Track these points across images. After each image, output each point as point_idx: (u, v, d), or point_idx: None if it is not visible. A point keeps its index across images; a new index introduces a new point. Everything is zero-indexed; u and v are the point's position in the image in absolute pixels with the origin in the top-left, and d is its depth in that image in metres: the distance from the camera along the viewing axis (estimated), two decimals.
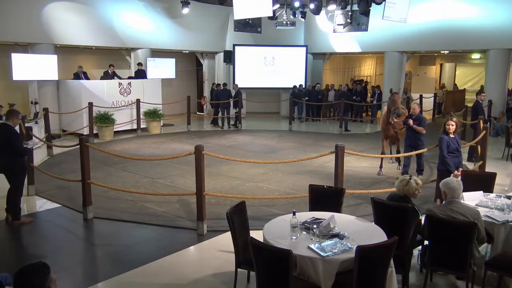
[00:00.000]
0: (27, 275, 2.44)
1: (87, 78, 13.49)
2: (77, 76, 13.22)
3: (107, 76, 13.86)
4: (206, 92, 18.35)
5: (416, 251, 4.53)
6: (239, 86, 16.13)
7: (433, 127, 15.79)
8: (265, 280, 3.43)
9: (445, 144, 5.95)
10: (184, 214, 6.40)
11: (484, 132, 7.93)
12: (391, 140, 8.83)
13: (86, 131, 12.22)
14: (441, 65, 24.07)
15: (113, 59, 15.42)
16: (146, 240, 5.68)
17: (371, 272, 3.33)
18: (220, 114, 15.65)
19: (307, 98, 16.55)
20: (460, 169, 5.93)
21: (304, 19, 15.06)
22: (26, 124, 8.26)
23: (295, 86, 16.98)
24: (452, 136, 6.05)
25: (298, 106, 16.85)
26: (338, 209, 4.60)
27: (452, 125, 6.02)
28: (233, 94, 15.46)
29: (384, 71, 16.85)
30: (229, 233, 4.16)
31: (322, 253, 3.36)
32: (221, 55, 17.90)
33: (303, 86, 17.40)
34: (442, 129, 6.12)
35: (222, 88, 15.63)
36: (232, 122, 15.49)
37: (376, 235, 3.73)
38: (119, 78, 13.93)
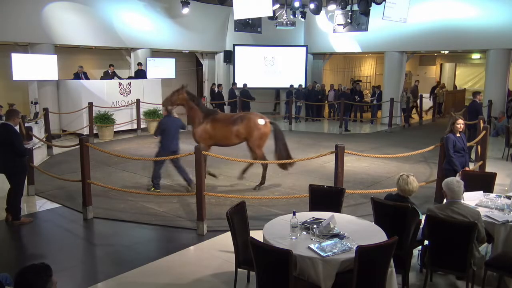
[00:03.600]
0: (29, 276, 2.43)
1: (87, 78, 13.49)
2: (77, 76, 13.22)
3: (107, 76, 13.86)
4: (206, 92, 18.35)
5: (416, 251, 4.53)
6: (238, 85, 16.20)
7: (432, 127, 15.85)
8: (265, 280, 3.43)
9: (451, 143, 5.95)
10: (184, 214, 6.40)
11: (484, 132, 7.94)
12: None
13: (86, 131, 12.22)
14: (441, 65, 24.07)
15: (113, 59, 15.41)
16: (146, 240, 5.68)
17: (371, 272, 3.33)
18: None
19: (297, 100, 16.42)
20: (465, 168, 5.94)
21: (304, 19, 15.06)
22: (26, 124, 8.26)
23: (291, 86, 16.97)
24: (458, 135, 6.05)
25: (295, 106, 16.80)
26: (338, 209, 4.61)
27: (463, 124, 6.04)
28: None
29: (384, 71, 16.84)
30: (229, 233, 4.16)
31: (322, 253, 3.36)
32: (221, 55, 17.89)
33: (303, 86, 17.35)
34: (448, 128, 6.13)
35: (243, 88, 15.90)
36: None
37: (376, 235, 3.73)
38: (119, 78, 13.93)
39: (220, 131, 7.53)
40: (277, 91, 18.90)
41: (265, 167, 7.68)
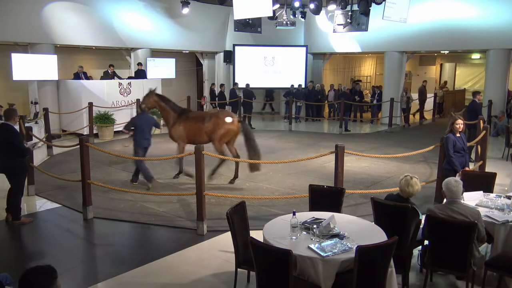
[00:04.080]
0: (34, 277, 2.41)
1: (87, 78, 13.47)
2: (77, 76, 13.21)
3: (107, 76, 13.86)
4: (206, 92, 18.35)
5: (416, 251, 4.53)
6: (239, 86, 16.22)
7: (432, 127, 15.85)
8: (265, 280, 3.43)
9: (451, 143, 5.95)
10: (184, 214, 6.40)
11: (484, 132, 7.94)
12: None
13: (86, 131, 12.22)
14: (441, 65, 24.07)
15: (113, 59, 15.41)
16: (146, 240, 5.68)
17: (371, 272, 3.33)
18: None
19: (296, 100, 16.44)
20: (465, 168, 5.93)
21: (304, 19, 15.06)
22: (26, 124, 8.26)
23: (292, 86, 16.95)
24: (458, 135, 6.04)
25: (295, 106, 16.78)
26: (338, 209, 4.61)
27: (462, 124, 6.03)
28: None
29: (384, 71, 16.84)
30: (229, 233, 4.16)
31: (322, 253, 3.36)
32: (221, 55, 17.89)
33: (302, 86, 17.33)
34: (448, 128, 6.12)
35: (245, 88, 15.81)
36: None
37: (376, 235, 3.73)
38: (119, 78, 13.93)
39: (192, 129, 7.88)
40: (267, 91, 18.77)
41: (221, 162, 7.88)
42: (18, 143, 5.82)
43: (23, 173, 6.12)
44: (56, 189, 7.57)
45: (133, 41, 14.98)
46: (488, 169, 7.80)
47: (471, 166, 7.96)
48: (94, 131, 12.42)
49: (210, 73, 18.75)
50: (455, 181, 4.13)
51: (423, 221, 4.06)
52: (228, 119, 7.81)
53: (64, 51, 14.31)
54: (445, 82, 22.09)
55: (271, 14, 12.26)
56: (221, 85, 16.28)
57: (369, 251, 3.26)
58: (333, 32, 14.89)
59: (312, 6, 12.91)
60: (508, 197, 4.82)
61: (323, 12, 14.66)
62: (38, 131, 10.06)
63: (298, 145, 11.84)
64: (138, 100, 13.26)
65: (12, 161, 5.84)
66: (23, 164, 6.07)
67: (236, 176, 8.03)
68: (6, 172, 5.95)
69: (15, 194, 5.99)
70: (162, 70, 15.62)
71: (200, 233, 5.64)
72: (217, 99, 16.49)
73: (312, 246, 3.48)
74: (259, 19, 14.01)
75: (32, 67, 11.98)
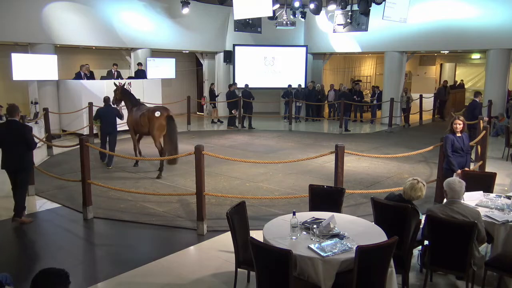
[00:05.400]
0: (51, 277, 2.40)
1: (92, 77, 13.39)
2: (79, 75, 13.13)
3: (110, 76, 13.81)
4: (206, 92, 18.35)
5: (416, 251, 4.53)
6: (238, 85, 16.19)
7: (432, 127, 15.86)
8: (265, 280, 3.43)
9: (450, 143, 5.96)
10: (184, 214, 6.40)
11: (484, 132, 7.94)
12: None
13: (86, 131, 12.22)
14: (441, 65, 24.06)
15: (113, 59, 15.40)
16: (146, 240, 5.68)
17: (371, 272, 3.33)
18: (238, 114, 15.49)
19: (296, 101, 16.41)
20: (465, 169, 5.93)
21: (304, 19, 15.06)
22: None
23: (289, 86, 16.91)
24: (458, 135, 6.05)
25: (295, 106, 16.76)
26: (338, 209, 4.61)
27: (460, 124, 6.03)
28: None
29: (384, 71, 16.83)
30: (229, 233, 4.16)
31: (322, 253, 3.36)
32: (221, 55, 17.89)
33: (302, 86, 17.31)
34: (448, 128, 6.13)
35: (244, 88, 15.77)
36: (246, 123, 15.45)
37: (376, 235, 3.73)
38: (122, 78, 13.91)
39: (135, 121, 8.92)
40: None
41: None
42: (27, 134, 5.89)
43: (31, 169, 6.22)
44: (56, 189, 7.57)
45: (133, 41, 14.98)
46: (488, 169, 7.81)
47: (471, 166, 7.96)
48: (94, 131, 12.41)
49: (210, 73, 18.75)
50: (459, 181, 4.13)
51: (423, 221, 4.06)
52: (157, 114, 8.44)
53: (64, 51, 14.31)
54: (455, 83, 21.97)
55: (271, 14, 12.26)
56: (230, 85, 16.06)
57: (369, 251, 3.26)
58: (333, 32, 14.89)
59: (312, 6, 12.91)
60: (508, 197, 4.82)
61: (323, 12, 14.67)
62: (38, 131, 10.06)
63: (298, 145, 11.84)
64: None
65: (23, 156, 5.90)
66: (31, 159, 6.14)
67: (161, 169, 8.39)
68: (16, 167, 5.92)
69: (21, 191, 6.00)
70: (162, 70, 15.62)
71: (200, 233, 5.64)
72: (216, 99, 16.46)
73: (312, 246, 3.48)
74: (259, 19, 14.02)
75: (32, 67, 11.98)
